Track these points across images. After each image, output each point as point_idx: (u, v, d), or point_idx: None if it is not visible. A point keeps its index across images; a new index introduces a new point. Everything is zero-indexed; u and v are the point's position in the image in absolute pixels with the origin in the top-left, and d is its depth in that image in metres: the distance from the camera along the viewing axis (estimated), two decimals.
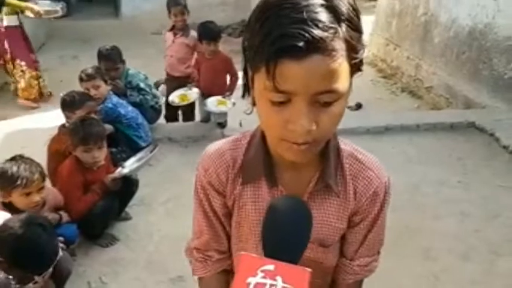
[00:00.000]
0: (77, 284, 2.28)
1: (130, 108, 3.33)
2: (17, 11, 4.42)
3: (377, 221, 0.90)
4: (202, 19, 3.82)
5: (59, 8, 4.82)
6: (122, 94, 3.44)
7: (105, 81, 3.20)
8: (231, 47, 4.48)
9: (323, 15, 0.63)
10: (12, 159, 2.15)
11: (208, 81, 3.68)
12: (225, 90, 3.69)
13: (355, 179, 0.87)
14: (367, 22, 7.00)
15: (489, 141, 3.70)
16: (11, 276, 1.69)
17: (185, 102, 3.73)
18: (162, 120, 4.03)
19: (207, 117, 3.85)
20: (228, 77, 3.71)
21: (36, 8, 4.48)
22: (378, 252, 0.98)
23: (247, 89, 0.77)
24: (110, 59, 3.49)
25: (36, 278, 1.72)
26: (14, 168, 2.06)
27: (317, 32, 0.61)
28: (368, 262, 0.95)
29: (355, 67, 0.69)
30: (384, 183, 0.88)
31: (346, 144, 0.89)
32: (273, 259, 0.68)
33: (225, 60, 3.64)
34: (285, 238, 0.71)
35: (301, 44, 0.61)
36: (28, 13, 4.47)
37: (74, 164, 2.43)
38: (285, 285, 0.66)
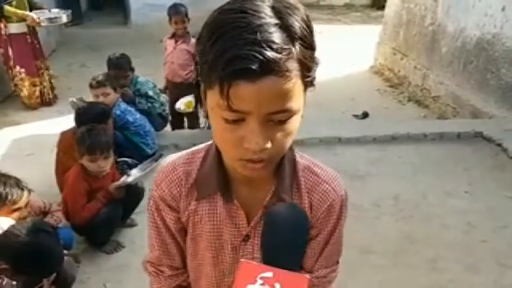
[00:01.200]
0: None
1: (138, 115, 3.36)
2: (24, 19, 4.47)
3: (334, 234, 0.89)
4: None
5: (63, 15, 4.86)
6: (130, 101, 3.47)
7: (115, 89, 3.24)
8: None
9: (276, 36, 0.62)
10: None
11: None
12: None
13: (311, 192, 0.86)
14: (374, 31, 7.04)
15: (496, 151, 3.67)
16: (14, 282, 1.70)
17: (191, 110, 3.75)
18: (168, 127, 4.06)
19: None
20: None
21: (34, 16, 4.48)
22: (337, 262, 0.97)
23: (199, 101, 0.76)
24: (120, 66, 3.53)
25: (44, 281, 1.73)
26: (1, 187, 2.04)
27: (271, 54, 0.61)
28: (326, 273, 0.94)
29: (309, 84, 0.69)
30: (340, 196, 0.87)
31: (302, 158, 0.88)
32: (272, 266, 0.68)
33: None
34: (283, 246, 0.72)
35: (255, 66, 0.60)
36: (27, 21, 4.48)
37: (80, 171, 2.45)
38: None
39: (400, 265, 2.46)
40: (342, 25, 9.01)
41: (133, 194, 2.67)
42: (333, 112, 4.71)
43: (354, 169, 3.28)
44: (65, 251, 2.08)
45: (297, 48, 0.64)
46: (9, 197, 2.03)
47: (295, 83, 0.65)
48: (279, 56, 0.61)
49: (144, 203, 2.84)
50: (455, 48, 4.80)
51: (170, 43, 3.92)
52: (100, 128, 2.55)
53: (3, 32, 4.49)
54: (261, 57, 0.60)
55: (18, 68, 4.67)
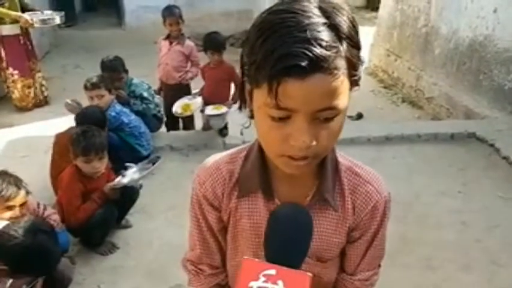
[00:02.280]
0: None
1: (133, 117, 3.36)
2: (17, 20, 4.45)
3: (377, 236, 0.90)
4: (203, 29, 3.87)
5: (56, 16, 4.84)
6: (125, 103, 3.47)
7: (109, 91, 3.23)
8: (233, 57, 4.52)
9: (325, 34, 0.64)
10: None
11: (211, 90, 3.72)
12: (226, 100, 3.72)
13: (354, 193, 0.86)
14: (368, 33, 7.08)
15: (489, 151, 3.70)
16: (10, 280, 1.69)
17: (188, 113, 3.74)
18: (163, 128, 4.06)
19: (207, 126, 3.86)
20: (233, 86, 3.74)
21: (27, 17, 4.47)
22: (379, 266, 0.97)
23: (243, 102, 0.78)
24: (113, 69, 3.53)
25: (39, 280, 1.73)
26: None
27: (320, 51, 0.62)
28: (369, 276, 0.95)
29: (354, 83, 0.71)
30: (383, 197, 0.87)
31: (344, 158, 0.88)
32: (275, 264, 0.69)
33: (229, 70, 3.69)
34: (286, 244, 0.73)
35: (304, 63, 0.61)
36: (20, 23, 4.47)
37: (74, 173, 2.45)
38: None
39: (394, 265, 2.47)
40: None
41: (128, 195, 2.67)
42: None
43: None
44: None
45: (344, 47, 0.66)
46: (3, 193, 2.02)
47: (342, 81, 0.66)
48: (327, 53, 0.63)
49: (138, 203, 2.84)
50: (449, 49, 4.84)
51: (165, 44, 3.92)
52: (95, 129, 2.54)
53: None
54: (310, 55, 0.62)
55: (11, 69, 4.66)
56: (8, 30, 4.49)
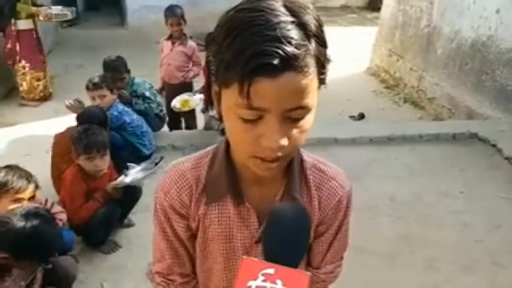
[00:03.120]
0: None
1: (135, 116, 3.36)
2: (32, 15, 4.68)
3: (341, 229, 0.91)
4: (206, 29, 3.86)
5: (68, 12, 5.08)
6: (127, 102, 3.47)
7: (111, 90, 3.24)
8: None
9: (295, 33, 0.63)
10: (8, 167, 2.16)
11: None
12: None
13: (319, 189, 0.87)
14: (370, 33, 7.07)
15: (491, 152, 3.70)
16: (22, 283, 1.70)
17: (186, 109, 3.75)
18: (165, 128, 4.06)
19: (209, 125, 3.87)
20: None
21: (47, 12, 4.72)
22: (341, 258, 0.99)
23: (210, 104, 0.77)
24: (116, 69, 3.53)
25: (38, 274, 1.74)
26: (9, 175, 2.07)
27: (291, 50, 0.62)
28: (333, 268, 0.96)
29: (322, 81, 0.70)
30: (347, 191, 0.89)
31: (308, 156, 0.89)
32: (274, 263, 0.70)
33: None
34: (285, 243, 0.73)
35: (276, 61, 0.61)
36: (40, 17, 4.74)
37: (77, 172, 2.46)
38: None
39: (396, 265, 2.47)
40: (338, 27, 9.05)
41: (130, 194, 2.68)
42: (330, 113, 4.72)
43: (350, 170, 3.25)
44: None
45: (313, 45, 0.66)
46: (14, 185, 2.04)
47: (312, 79, 0.66)
48: (298, 51, 0.63)
49: (141, 202, 2.84)
50: (451, 50, 4.84)
51: (167, 45, 3.93)
52: (96, 127, 2.55)
53: (13, 28, 4.65)
54: (281, 53, 0.61)
55: (23, 62, 4.81)
56: (23, 24, 4.68)
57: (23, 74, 4.83)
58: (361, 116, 4.90)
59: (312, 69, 0.66)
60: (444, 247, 2.63)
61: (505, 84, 4.11)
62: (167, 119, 4.02)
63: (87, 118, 2.83)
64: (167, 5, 3.95)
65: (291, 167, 0.84)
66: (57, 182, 2.74)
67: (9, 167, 2.15)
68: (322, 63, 0.68)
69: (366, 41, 6.96)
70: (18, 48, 4.72)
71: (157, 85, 4.04)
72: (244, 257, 0.72)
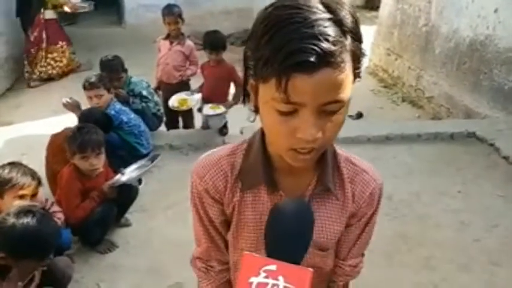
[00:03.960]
0: None
1: (133, 115, 3.35)
2: (55, 6, 5.60)
3: (370, 222, 0.94)
4: (204, 28, 3.86)
5: (86, 4, 6.08)
6: (124, 101, 3.46)
7: (108, 90, 3.23)
8: (234, 56, 4.51)
9: (331, 30, 0.65)
10: (12, 163, 2.16)
11: (210, 89, 3.72)
12: (226, 98, 3.71)
13: (353, 182, 0.89)
14: (368, 32, 7.07)
15: (489, 151, 3.70)
16: (20, 283, 1.68)
17: (184, 108, 3.74)
18: (163, 127, 4.05)
19: (206, 125, 3.86)
20: (233, 86, 3.73)
21: (73, 2, 5.73)
22: (363, 254, 1.00)
23: (247, 96, 0.79)
24: (113, 68, 3.52)
25: (36, 273, 1.72)
26: (14, 171, 2.07)
27: (328, 47, 0.64)
28: (357, 263, 0.98)
29: (357, 75, 0.72)
30: (379, 185, 0.91)
31: (341, 150, 0.92)
32: (276, 259, 0.69)
33: (229, 69, 3.68)
34: (287, 239, 0.73)
35: (313, 58, 0.63)
36: (65, 8, 5.68)
37: (72, 171, 2.44)
38: (287, 285, 0.67)
39: (393, 264, 2.47)
40: None
41: (127, 194, 2.67)
42: None
43: None
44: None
45: (348, 41, 0.68)
46: (18, 181, 2.04)
47: (347, 74, 0.68)
48: (334, 48, 0.64)
49: (138, 202, 2.84)
50: (449, 49, 4.84)
51: (165, 44, 3.92)
52: (91, 126, 2.54)
53: (41, 17, 5.52)
54: (318, 50, 0.63)
55: (60, 43, 5.80)
56: (49, 14, 5.62)
57: (62, 52, 5.84)
58: (359, 115, 4.90)
59: (348, 64, 0.67)
60: (442, 246, 2.63)
61: (503, 84, 4.11)
62: (165, 118, 4.01)
63: (91, 122, 2.79)
64: (165, 3, 3.94)
65: (325, 158, 0.86)
66: (51, 182, 2.72)
67: (13, 164, 2.15)
68: (357, 58, 0.70)
69: (364, 40, 6.94)
70: (44, 35, 5.58)
71: (154, 84, 4.03)
72: (246, 252, 0.71)
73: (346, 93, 0.69)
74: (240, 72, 3.87)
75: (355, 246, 0.96)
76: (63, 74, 5.89)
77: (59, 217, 2.32)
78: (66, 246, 2.32)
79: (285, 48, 0.64)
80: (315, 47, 0.63)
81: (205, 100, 3.73)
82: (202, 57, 3.91)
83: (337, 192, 0.88)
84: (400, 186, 3.22)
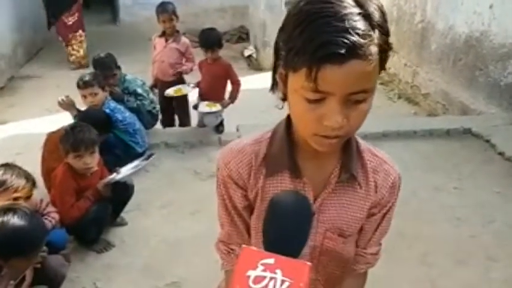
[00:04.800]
0: None
1: (128, 113, 3.33)
2: None
3: (389, 211, 0.97)
4: (199, 25, 3.85)
5: None
6: (119, 100, 3.44)
7: (103, 88, 3.21)
8: (229, 53, 4.50)
9: (361, 24, 0.68)
10: (6, 165, 2.14)
11: (207, 86, 3.71)
12: (222, 96, 3.70)
13: (375, 172, 0.92)
14: None
15: (485, 147, 3.71)
16: (12, 282, 1.67)
17: (178, 94, 3.74)
18: (159, 125, 4.04)
19: (202, 123, 3.85)
20: (230, 84, 3.72)
21: None
22: (381, 243, 1.03)
23: (275, 84, 0.82)
24: (106, 66, 3.50)
25: (27, 272, 1.70)
26: (8, 173, 2.06)
27: (357, 40, 0.67)
28: (377, 250, 1.02)
29: (383, 67, 0.76)
30: (398, 174, 0.95)
31: (362, 141, 0.94)
32: (274, 253, 0.69)
33: (225, 67, 3.67)
34: (285, 233, 0.73)
35: (343, 51, 0.66)
36: None
37: (67, 170, 2.43)
38: (285, 278, 0.67)
39: (390, 260, 2.46)
40: None
41: (122, 192, 2.65)
42: None
43: None
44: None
45: (376, 34, 0.71)
46: (13, 184, 2.03)
47: (375, 66, 0.71)
48: (363, 41, 0.68)
49: (133, 201, 2.83)
50: (445, 45, 4.84)
51: (160, 42, 3.90)
52: (84, 125, 2.52)
53: (80, 2, 6.10)
54: (348, 43, 0.66)
55: (80, 31, 6.15)
56: None
57: (80, 42, 6.14)
58: None
59: (375, 56, 0.70)
60: (438, 242, 2.63)
61: (499, 80, 4.12)
62: (160, 116, 4.00)
63: (90, 122, 2.77)
64: (159, 1, 3.92)
65: (349, 147, 0.88)
66: (47, 179, 2.71)
67: (8, 165, 2.14)
68: (384, 51, 0.73)
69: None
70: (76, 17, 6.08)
71: (150, 82, 4.01)
72: (244, 245, 0.71)
73: (372, 84, 0.73)
74: (236, 70, 3.87)
75: (375, 234, 0.99)
76: (77, 67, 6.09)
77: (53, 216, 2.30)
78: (61, 245, 2.31)
79: (316, 40, 0.67)
80: (345, 40, 0.66)
81: (203, 97, 3.72)
82: (198, 54, 3.90)
83: (360, 181, 0.91)
84: None
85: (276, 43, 0.77)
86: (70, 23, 6.15)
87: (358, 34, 0.67)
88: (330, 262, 0.97)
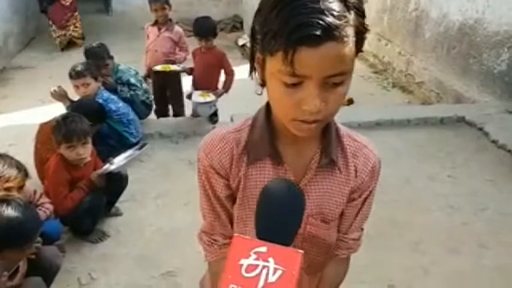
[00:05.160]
0: (66, 280, 2.27)
1: (121, 104, 3.31)
2: None
3: (370, 196, 0.97)
4: (193, 14, 3.81)
5: None
6: (112, 90, 3.41)
7: (95, 78, 3.18)
8: (223, 42, 4.46)
9: (336, 5, 0.68)
10: None
11: (200, 75, 3.68)
12: (215, 86, 3.68)
13: (355, 156, 0.92)
14: None
15: (478, 135, 3.73)
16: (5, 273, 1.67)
17: (166, 69, 3.71)
18: (152, 115, 4.02)
19: (196, 113, 3.83)
20: (223, 74, 3.69)
21: None
22: (362, 229, 1.03)
23: (253, 70, 0.81)
24: (98, 56, 3.46)
25: (20, 263, 1.70)
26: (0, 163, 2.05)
27: (332, 21, 0.67)
28: (359, 236, 1.02)
29: (359, 49, 0.75)
30: (377, 158, 0.95)
31: (342, 126, 0.95)
32: (266, 241, 0.69)
33: (219, 56, 3.64)
34: (277, 221, 0.73)
35: (319, 32, 0.66)
36: None
37: (60, 161, 2.41)
38: (277, 266, 0.67)
39: (383, 248, 2.50)
40: None
41: (116, 183, 2.65)
42: None
43: None
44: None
45: (352, 16, 0.71)
46: (4, 173, 2.02)
47: (351, 48, 0.71)
48: (339, 22, 0.68)
49: (128, 191, 2.83)
50: (439, 33, 4.83)
51: (153, 31, 3.86)
52: (76, 115, 2.50)
53: None
54: (323, 24, 0.66)
55: (76, 13, 6.66)
56: None
57: (78, 21, 6.64)
58: (350, 101, 4.90)
59: (351, 38, 0.70)
60: (431, 230, 2.66)
61: (492, 68, 4.13)
62: (154, 106, 3.97)
63: (84, 112, 2.75)
64: None
65: (328, 132, 0.89)
66: (40, 170, 2.70)
67: (0, 156, 2.12)
68: (360, 33, 0.73)
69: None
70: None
71: (143, 72, 3.98)
72: (235, 234, 0.71)
73: (349, 66, 0.72)
74: (230, 59, 3.85)
75: (356, 219, 0.98)
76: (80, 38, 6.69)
77: (47, 207, 2.30)
78: (55, 236, 2.30)
79: (291, 22, 0.66)
80: (321, 21, 0.66)
81: (196, 86, 3.69)
82: (192, 43, 3.86)
83: (340, 166, 0.91)
84: (390, 171, 3.22)
85: (253, 27, 0.77)
86: (67, 3, 6.48)
87: (333, 15, 0.67)
88: (312, 248, 0.97)
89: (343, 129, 0.93)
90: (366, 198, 0.96)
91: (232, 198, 0.96)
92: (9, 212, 1.70)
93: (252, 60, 0.80)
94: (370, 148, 0.94)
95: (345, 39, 0.68)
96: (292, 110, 0.74)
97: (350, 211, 0.97)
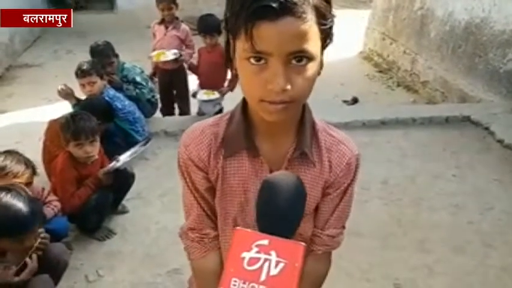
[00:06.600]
0: (73, 277, 2.29)
1: (127, 102, 3.32)
2: None
3: (347, 192, 0.96)
4: (197, 12, 3.81)
5: None
6: (118, 88, 3.42)
7: (101, 76, 3.19)
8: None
9: None
10: (7, 152, 2.15)
11: (206, 74, 3.69)
12: (221, 85, 3.69)
13: (330, 151, 0.93)
14: (363, 16, 7.00)
15: (484, 135, 3.72)
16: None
17: (161, 59, 3.64)
18: (158, 113, 4.03)
19: (201, 111, 3.84)
20: (229, 72, 3.69)
21: None
22: (343, 227, 1.02)
23: (229, 59, 0.83)
24: (103, 54, 3.46)
25: (27, 259, 1.71)
26: (8, 159, 2.07)
27: None
28: (336, 233, 1.00)
29: (325, 34, 0.76)
30: (355, 155, 0.94)
31: (319, 121, 0.95)
32: (268, 234, 0.69)
33: (224, 54, 3.62)
34: (279, 214, 0.73)
35: (275, 5, 0.68)
36: None
37: (67, 159, 2.43)
38: (279, 259, 0.67)
39: (388, 247, 2.50)
40: None
41: (123, 180, 2.66)
42: (323, 97, 4.71)
43: None
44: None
45: None
46: (12, 169, 2.05)
47: (311, 25, 0.72)
48: None
49: (135, 189, 2.84)
50: (444, 32, 4.82)
51: (160, 29, 3.86)
52: (84, 113, 2.52)
53: None
54: None
55: None
56: None
57: None
58: (355, 101, 4.89)
59: (310, 16, 0.71)
60: (436, 229, 2.66)
61: (498, 67, 4.12)
62: (160, 104, 3.98)
63: (93, 111, 2.75)
64: None
65: (303, 125, 0.90)
66: (48, 166, 2.72)
67: (9, 152, 2.15)
68: (322, 14, 0.74)
69: (359, 24, 6.91)
70: None
71: (149, 70, 3.99)
72: (238, 227, 0.72)
73: (311, 45, 0.73)
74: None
75: (332, 216, 0.98)
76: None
77: (55, 205, 2.32)
78: (63, 233, 2.32)
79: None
80: None
81: (202, 85, 3.70)
82: (197, 42, 3.87)
83: (314, 159, 0.91)
84: (394, 170, 3.24)
85: (225, 15, 0.78)
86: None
87: None
88: None
89: (320, 124, 0.94)
90: (342, 195, 0.96)
91: (213, 191, 0.96)
92: (8, 199, 1.71)
93: (227, 50, 0.82)
94: (347, 144, 0.94)
95: (303, 15, 0.70)
96: (258, 90, 0.75)
97: (326, 206, 0.96)
